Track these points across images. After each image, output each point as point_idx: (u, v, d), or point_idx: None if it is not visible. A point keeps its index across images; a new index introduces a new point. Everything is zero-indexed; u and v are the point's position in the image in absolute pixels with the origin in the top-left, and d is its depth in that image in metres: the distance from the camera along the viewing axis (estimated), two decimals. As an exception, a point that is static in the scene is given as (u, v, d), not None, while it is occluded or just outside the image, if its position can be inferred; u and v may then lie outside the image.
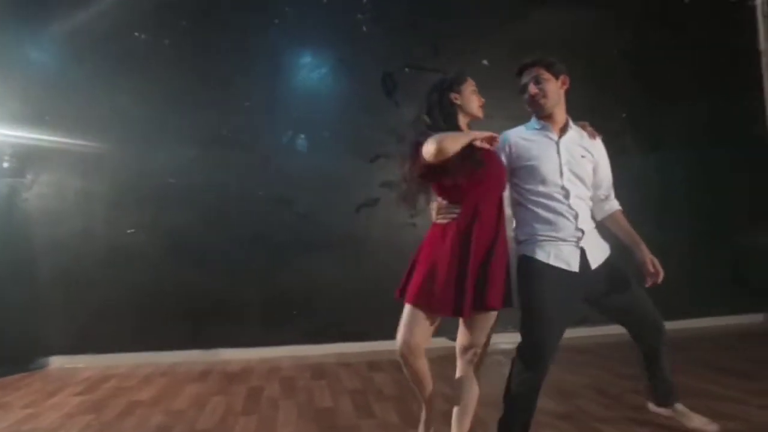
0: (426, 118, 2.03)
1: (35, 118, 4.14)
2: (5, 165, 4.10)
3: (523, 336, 2.06)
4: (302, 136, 4.43)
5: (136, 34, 4.26)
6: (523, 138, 2.16)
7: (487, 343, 1.97)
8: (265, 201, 4.33)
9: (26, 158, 4.13)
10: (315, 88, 4.52)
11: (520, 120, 4.30)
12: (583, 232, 2.07)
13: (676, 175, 4.92)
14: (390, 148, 4.25)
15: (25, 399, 3.16)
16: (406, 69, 4.60)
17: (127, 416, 2.79)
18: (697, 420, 2.22)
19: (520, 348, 2.07)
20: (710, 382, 2.98)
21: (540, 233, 2.07)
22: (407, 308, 1.98)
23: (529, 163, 2.10)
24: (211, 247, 4.25)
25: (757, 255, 4.96)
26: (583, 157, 2.14)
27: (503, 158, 2.14)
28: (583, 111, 4.91)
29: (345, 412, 2.77)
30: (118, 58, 4.23)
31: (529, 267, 2.05)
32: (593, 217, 2.22)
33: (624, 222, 2.31)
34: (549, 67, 2.16)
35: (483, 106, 2.10)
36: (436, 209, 2.01)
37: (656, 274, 2.18)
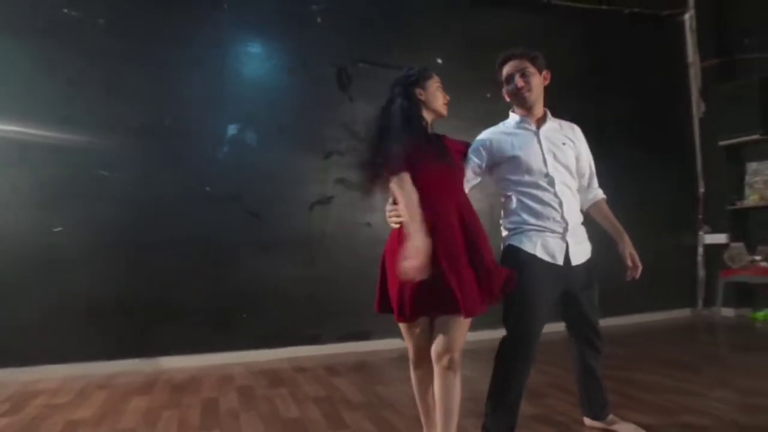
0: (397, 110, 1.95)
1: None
2: None
3: (509, 328, 2.06)
4: (252, 129, 4.19)
5: (65, 10, 3.83)
6: (503, 133, 2.18)
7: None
8: (211, 197, 4.05)
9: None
10: (266, 80, 4.28)
11: (474, 120, 4.25)
12: (568, 222, 2.08)
13: (611, 176, 5.14)
14: (344, 145, 4.14)
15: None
16: (361, 64, 4.48)
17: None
18: (625, 427, 2.25)
19: (507, 342, 2.06)
20: (664, 376, 3.12)
21: (527, 223, 2.08)
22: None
23: (512, 154, 2.11)
24: (150, 246, 3.90)
25: (681, 254, 5.31)
26: (564, 144, 2.18)
27: (484, 156, 2.14)
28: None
29: (314, 421, 2.61)
30: (44, 34, 3.78)
31: (516, 257, 2.05)
32: (581, 211, 2.25)
33: (607, 211, 2.35)
34: (534, 61, 2.17)
35: (447, 104, 2.06)
36: (392, 212, 1.95)
37: (635, 268, 2.22)
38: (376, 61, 4.48)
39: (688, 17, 5.46)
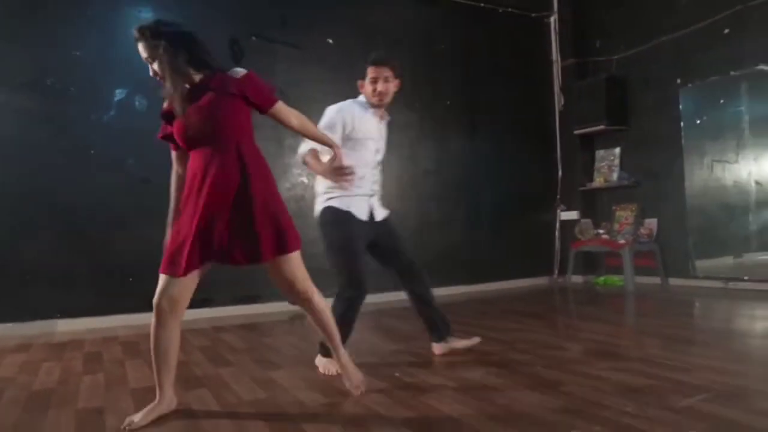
0: None
1: None
2: None
3: (343, 272, 2.49)
4: (141, 94, 4.19)
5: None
6: (360, 114, 2.59)
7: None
8: (97, 160, 4.02)
9: None
10: (155, 46, 4.29)
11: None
12: (373, 191, 2.65)
13: (487, 157, 5.75)
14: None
15: None
16: (254, 38, 4.63)
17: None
18: (464, 342, 2.79)
19: (343, 281, 2.48)
20: (517, 323, 3.66)
21: (345, 189, 2.47)
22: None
23: (361, 135, 2.56)
24: (30, 209, 3.81)
25: (541, 229, 6.05)
26: (382, 137, 2.74)
27: (346, 124, 2.52)
28: (413, 98, 5.50)
29: (199, 363, 2.80)
30: None
31: (336, 215, 2.50)
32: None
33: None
34: (395, 70, 2.62)
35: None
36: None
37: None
38: (269, 36, 4.66)
39: (553, 20, 6.18)
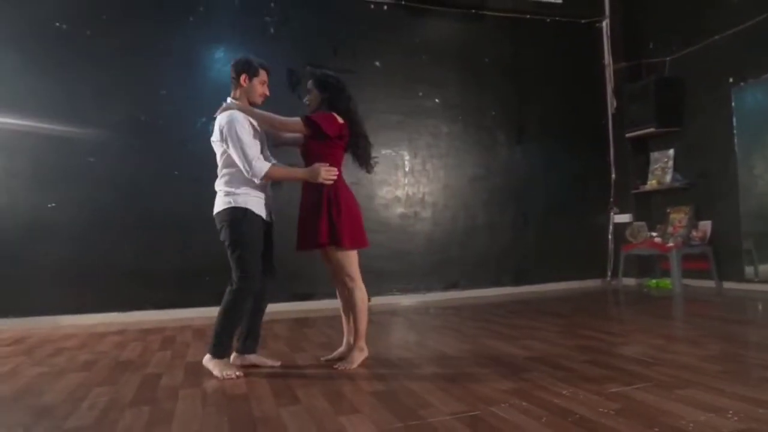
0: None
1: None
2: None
3: (242, 267, 2.65)
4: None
5: (57, 24, 4.62)
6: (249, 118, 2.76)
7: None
8: (179, 180, 4.85)
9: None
10: (227, 81, 5.05)
11: (408, 114, 5.28)
12: (267, 191, 2.81)
13: (536, 163, 5.95)
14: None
15: (-44, 350, 3.55)
16: (308, 67, 5.26)
17: (57, 357, 3.30)
18: (267, 361, 2.86)
19: (242, 275, 2.65)
20: (538, 322, 3.93)
21: (252, 189, 2.71)
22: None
23: (255, 137, 2.73)
24: (129, 222, 4.72)
25: (596, 232, 6.11)
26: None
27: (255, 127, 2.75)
28: (460, 109, 5.87)
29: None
30: (41, 44, 4.58)
31: (245, 215, 2.68)
32: None
33: None
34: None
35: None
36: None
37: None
38: (321, 65, 5.26)
39: (605, 24, 6.22)
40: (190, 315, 4.69)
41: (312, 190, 2.76)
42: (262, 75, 2.84)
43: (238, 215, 2.69)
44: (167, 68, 4.88)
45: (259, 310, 2.89)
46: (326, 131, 2.73)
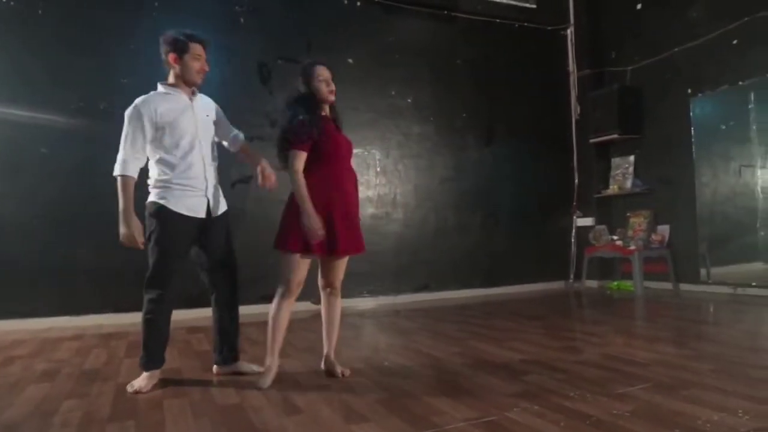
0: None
1: None
2: None
3: (157, 268, 2.45)
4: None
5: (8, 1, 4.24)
6: (163, 101, 2.45)
7: None
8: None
9: None
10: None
11: (383, 113, 5.12)
12: (208, 181, 2.50)
13: (504, 166, 6.02)
14: (264, 131, 4.73)
15: None
16: (280, 61, 5.09)
17: (10, 366, 2.99)
18: (248, 367, 2.70)
19: (153, 278, 2.46)
20: (517, 324, 3.94)
21: (174, 182, 2.42)
22: None
23: (172, 119, 2.42)
24: (86, 217, 4.38)
25: (559, 235, 6.24)
26: (207, 116, 2.59)
27: (152, 120, 2.40)
28: (431, 110, 5.84)
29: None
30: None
31: (163, 212, 2.42)
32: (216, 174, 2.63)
33: (248, 148, 2.80)
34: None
35: (333, 93, 2.62)
36: None
37: (269, 177, 2.60)
38: (293, 58, 5.11)
39: (569, 32, 6.37)
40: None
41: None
42: (195, 49, 2.47)
43: (151, 210, 2.45)
44: (129, 55, 4.57)
45: (223, 317, 2.67)
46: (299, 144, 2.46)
